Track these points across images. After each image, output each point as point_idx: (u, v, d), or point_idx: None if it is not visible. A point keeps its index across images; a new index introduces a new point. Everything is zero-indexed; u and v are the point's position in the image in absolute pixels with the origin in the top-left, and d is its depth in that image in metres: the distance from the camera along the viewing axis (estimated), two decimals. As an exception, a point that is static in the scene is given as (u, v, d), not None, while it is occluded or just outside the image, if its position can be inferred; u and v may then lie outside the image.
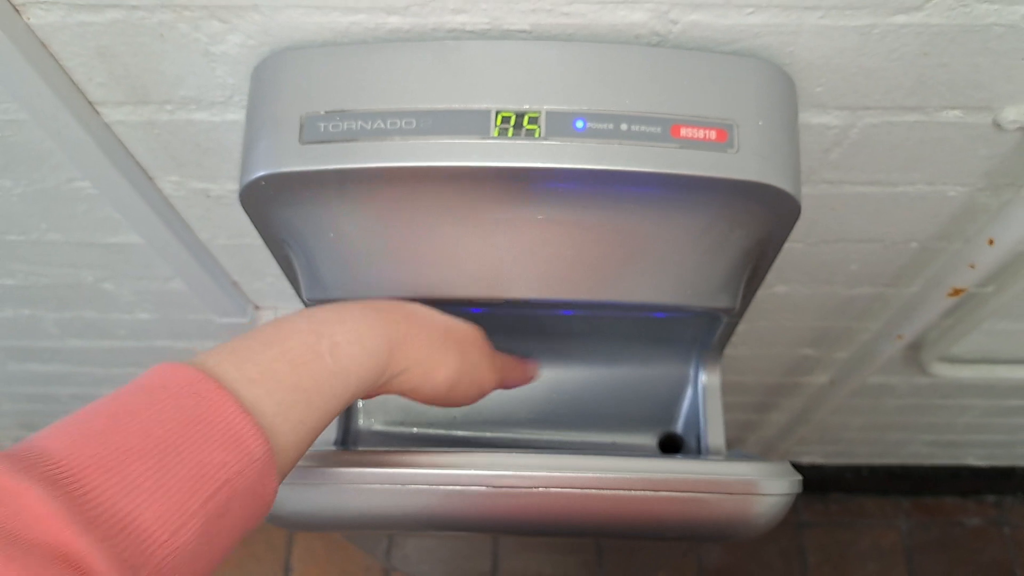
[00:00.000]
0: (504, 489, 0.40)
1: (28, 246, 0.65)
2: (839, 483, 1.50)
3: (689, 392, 0.65)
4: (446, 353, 0.42)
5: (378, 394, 0.41)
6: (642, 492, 0.40)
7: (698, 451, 0.62)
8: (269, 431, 0.32)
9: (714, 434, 0.62)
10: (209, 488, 0.29)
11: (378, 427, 0.64)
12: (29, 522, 0.24)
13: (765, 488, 0.41)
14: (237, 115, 0.48)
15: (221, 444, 0.30)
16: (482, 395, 0.45)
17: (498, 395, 0.66)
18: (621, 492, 0.40)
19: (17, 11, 0.41)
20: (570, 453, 0.42)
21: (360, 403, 0.64)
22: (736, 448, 1.28)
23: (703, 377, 0.63)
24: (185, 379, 0.31)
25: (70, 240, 0.64)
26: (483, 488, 0.40)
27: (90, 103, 0.48)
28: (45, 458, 0.26)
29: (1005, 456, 1.41)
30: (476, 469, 0.40)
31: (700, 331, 0.60)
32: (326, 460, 0.41)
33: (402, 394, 0.41)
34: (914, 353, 0.86)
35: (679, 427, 0.66)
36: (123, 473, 0.27)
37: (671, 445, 0.66)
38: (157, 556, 0.27)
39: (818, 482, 1.46)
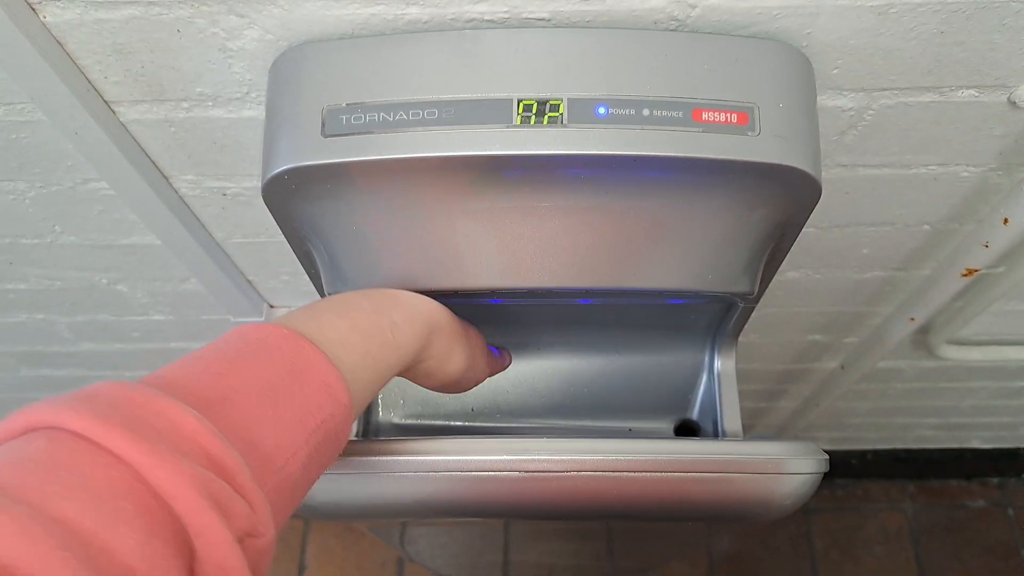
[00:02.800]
0: (537, 474, 0.40)
1: (42, 249, 0.65)
2: (845, 468, 1.51)
3: (704, 379, 0.66)
4: (462, 347, 0.47)
5: (401, 376, 0.45)
6: (673, 473, 0.40)
7: (715, 436, 0.63)
8: (350, 384, 0.36)
9: (731, 419, 0.62)
10: (311, 425, 0.33)
11: (397, 420, 0.64)
12: (185, 435, 0.27)
13: (793, 467, 0.41)
14: (254, 111, 0.48)
15: (318, 389, 0.34)
16: (477, 384, 0.53)
17: (515, 385, 0.66)
18: (652, 474, 0.40)
19: (33, 9, 0.41)
20: (597, 438, 0.42)
21: (380, 397, 0.64)
22: (750, 434, 1.29)
23: (719, 363, 0.64)
24: (280, 335, 0.35)
25: (84, 242, 0.64)
26: (516, 473, 0.40)
27: (106, 102, 0.48)
28: (182, 388, 0.30)
29: (1010, 438, 1.42)
30: (509, 455, 0.40)
31: (716, 317, 0.60)
32: (358, 450, 0.41)
33: (417, 377, 0.46)
34: (923, 336, 0.86)
35: (695, 414, 0.67)
36: (246, 406, 0.31)
37: (687, 432, 0.66)
38: (276, 478, 0.31)
39: (825, 468, 1.46)
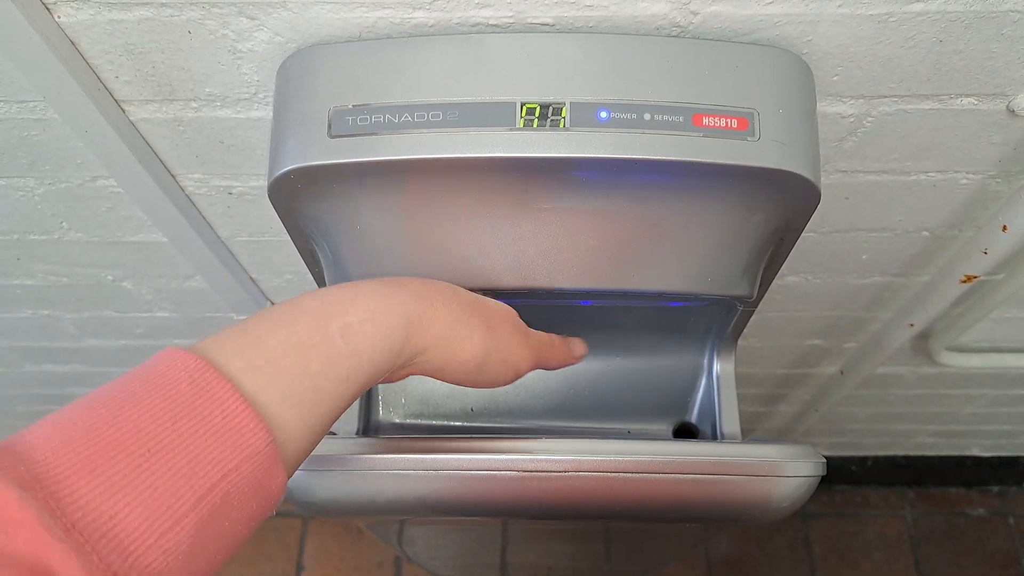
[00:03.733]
0: (535, 473, 0.40)
1: (49, 246, 0.66)
2: (844, 474, 1.51)
3: (703, 381, 0.66)
4: (472, 329, 0.39)
5: (402, 376, 0.39)
6: (670, 475, 0.41)
7: (714, 439, 0.63)
8: (273, 421, 0.30)
9: (729, 422, 0.62)
10: (203, 485, 0.27)
11: (397, 419, 0.65)
12: (3, 528, 0.23)
13: (791, 470, 0.41)
14: (261, 112, 0.49)
15: (217, 437, 0.28)
16: (518, 375, 0.42)
17: (515, 386, 0.66)
18: (649, 475, 0.41)
19: (48, 9, 0.42)
20: (596, 439, 0.43)
21: (380, 396, 0.64)
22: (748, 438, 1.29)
23: (718, 366, 0.64)
24: (184, 367, 0.29)
25: (92, 239, 0.64)
26: (515, 473, 0.40)
27: (116, 101, 0.48)
28: (26, 457, 0.25)
29: (1010, 446, 1.42)
30: (507, 454, 0.41)
31: (715, 320, 0.60)
32: (359, 447, 0.42)
33: (428, 375, 0.39)
34: (923, 342, 0.87)
35: (693, 416, 0.67)
36: (109, 473, 0.25)
37: (686, 434, 0.67)
38: (145, 560, 0.25)
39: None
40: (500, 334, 0.41)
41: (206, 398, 0.28)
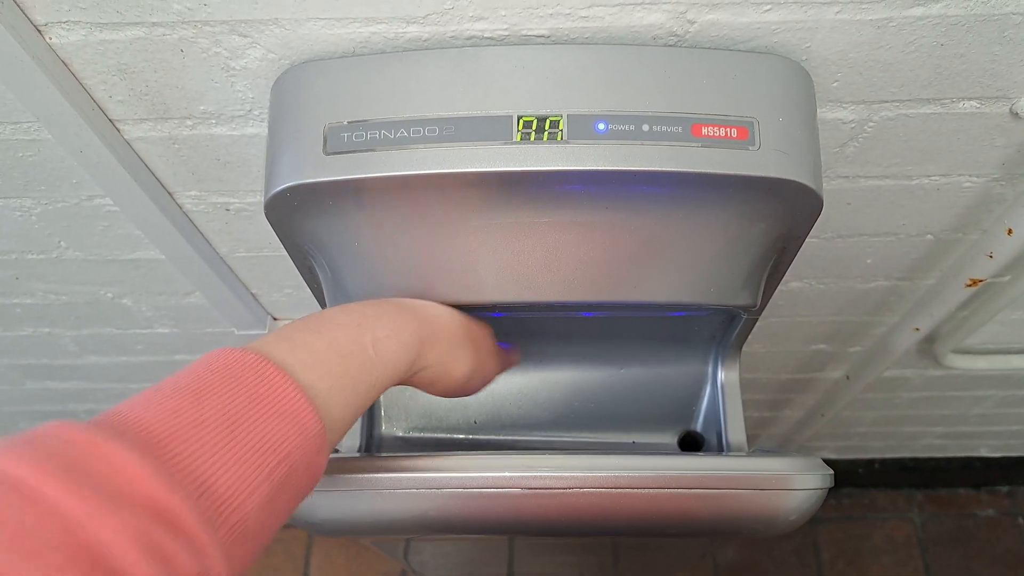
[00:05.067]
0: (541, 491, 0.40)
1: (47, 265, 0.66)
2: (851, 478, 1.50)
3: (708, 390, 0.65)
4: (465, 352, 0.45)
5: (403, 384, 0.44)
6: (677, 490, 0.40)
7: (719, 448, 0.62)
8: (322, 410, 0.34)
9: (735, 431, 0.62)
10: (274, 458, 0.31)
11: (400, 433, 0.64)
12: (126, 480, 0.26)
13: (798, 483, 0.41)
14: (256, 129, 0.48)
15: (283, 419, 0.32)
16: (486, 384, 0.51)
17: (518, 398, 0.66)
18: (656, 491, 0.40)
19: (39, 31, 0.41)
20: (601, 453, 0.42)
21: (382, 410, 0.64)
22: (754, 445, 1.29)
23: (722, 375, 0.63)
24: (247, 362, 0.33)
25: (90, 257, 0.64)
26: (520, 490, 0.40)
27: (110, 120, 0.48)
28: (132, 426, 0.28)
29: (1019, 446, 1.41)
30: (512, 471, 0.40)
31: (719, 329, 0.60)
32: (360, 466, 0.41)
33: (420, 386, 0.45)
34: (928, 346, 0.86)
35: (698, 425, 0.66)
36: (200, 443, 0.29)
37: (691, 443, 0.66)
38: (232, 518, 0.29)
39: (831, 477, 1.45)
40: (483, 353, 0.48)
41: (270, 387, 0.33)
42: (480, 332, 0.48)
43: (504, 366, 0.55)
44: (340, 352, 0.37)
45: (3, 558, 0.22)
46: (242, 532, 0.29)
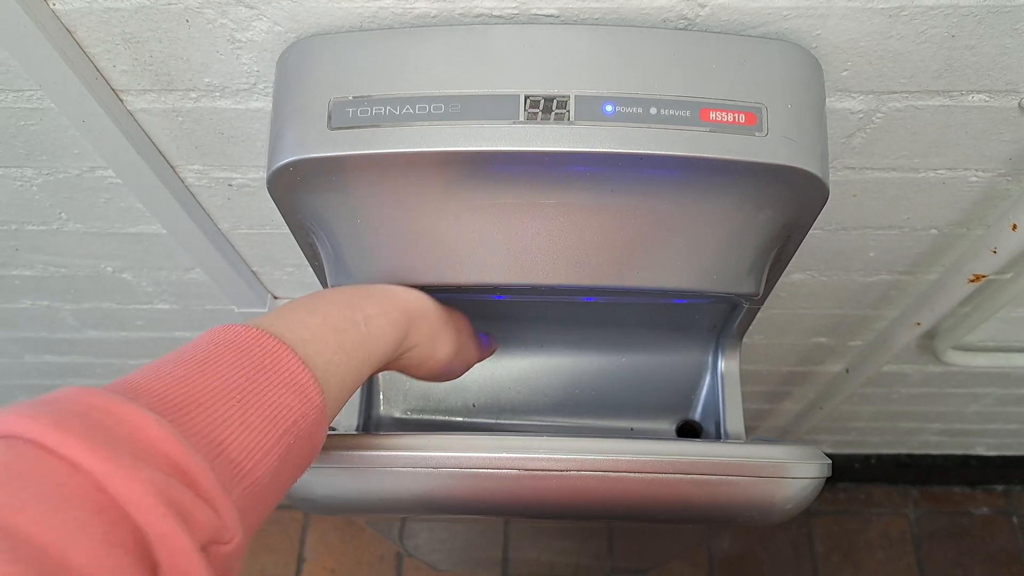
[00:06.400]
0: (537, 472, 0.40)
1: (48, 236, 0.65)
2: (848, 472, 1.50)
3: (707, 379, 0.65)
4: (447, 333, 0.47)
5: (390, 368, 0.45)
6: (674, 475, 0.40)
7: (717, 438, 0.62)
8: (322, 383, 0.35)
9: (733, 421, 0.62)
10: (282, 426, 0.32)
11: (397, 414, 0.64)
12: (146, 441, 0.26)
13: (796, 472, 0.41)
14: (261, 103, 0.48)
15: (288, 389, 0.33)
16: (468, 369, 0.53)
17: (517, 382, 0.66)
18: (653, 475, 0.40)
19: (44, -3, 0.41)
20: (599, 437, 0.42)
21: (380, 392, 0.64)
22: (752, 436, 1.29)
23: (723, 364, 0.63)
24: (250, 336, 0.34)
25: (90, 230, 0.64)
26: (516, 471, 0.40)
27: (114, 91, 0.48)
28: (146, 392, 0.29)
29: (1015, 445, 1.41)
30: (509, 452, 0.40)
31: (720, 318, 0.60)
32: (359, 444, 0.41)
33: (407, 368, 0.46)
34: (929, 341, 0.86)
35: (697, 415, 0.66)
36: (212, 409, 0.30)
37: (689, 432, 0.66)
38: (246, 481, 0.30)
39: (827, 471, 1.46)
40: (464, 337, 0.50)
41: (273, 358, 0.34)
42: (460, 319, 0.50)
43: (483, 354, 0.57)
44: (335, 328, 0.38)
45: (32, 513, 0.22)
46: (254, 495, 0.30)
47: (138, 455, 0.26)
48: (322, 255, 0.48)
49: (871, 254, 0.67)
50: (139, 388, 0.29)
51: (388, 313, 0.42)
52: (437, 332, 0.46)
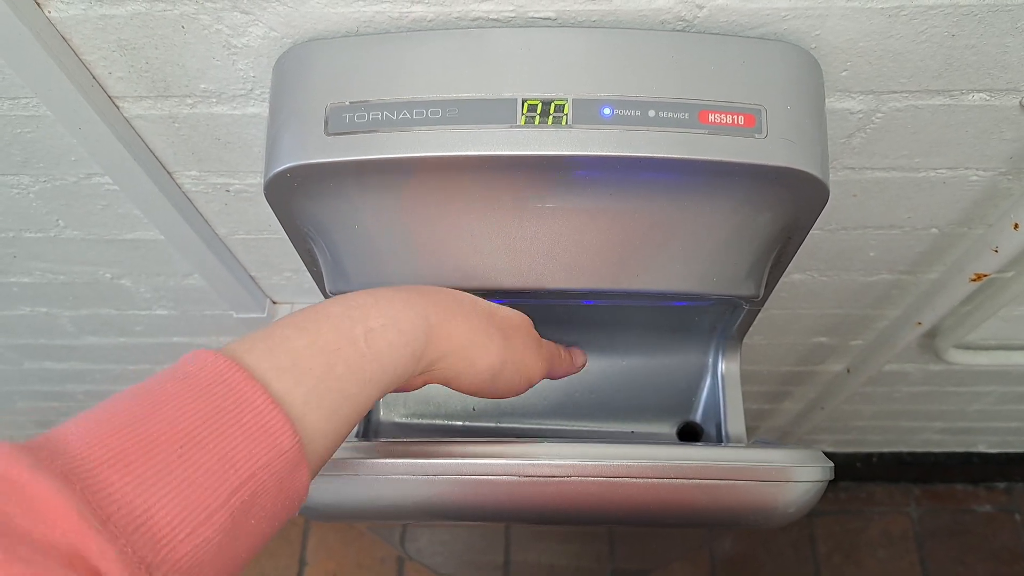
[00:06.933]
0: (538, 478, 0.40)
1: (45, 243, 0.65)
2: (849, 471, 1.50)
3: (708, 381, 0.65)
4: (489, 338, 0.39)
5: (419, 384, 0.39)
6: (676, 480, 0.40)
7: (718, 440, 0.62)
8: (299, 422, 0.31)
9: (734, 422, 0.62)
10: (233, 482, 0.28)
11: (398, 419, 0.64)
12: (42, 518, 0.23)
13: (798, 475, 0.41)
14: (258, 108, 0.48)
15: (248, 436, 0.29)
16: (529, 385, 0.43)
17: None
18: (655, 480, 0.40)
19: (38, 4, 0.41)
20: (600, 442, 0.42)
21: (380, 396, 0.64)
22: (753, 437, 1.28)
23: (723, 366, 0.63)
24: (215, 368, 0.30)
25: (88, 237, 0.64)
26: (517, 478, 0.40)
27: (110, 98, 0.47)
28: (63, 451, 0.25)
29: (1017, 443, 1.41)
30: (510, 458, 0.40)
31: (720, 320, 0.60)
32: (359, 451, 0.41)
33: (443, 383, 0.39)
34: (930, 340, 0.86)
35: (698, 416, 0.66)
36: (143, 467, 0.26)
37: (690, 434, 0.66)
38: (176, 554, 0.26)
39: (829, 470, 1.46)
40: (515, 344, 0.41)
41: (236, 398, 0.29)
42: (512, 319, 0.42)
43: (558, 369, 0.47)
44: (324, 349, 0.33)
45: None
46: (193, 565, 0.26)
47: (26, 538, 0.22)
48: (320, 261, 0.48)
49: (872, 254, 0.67)
50: (65, 442, 0.26)
51: (399, 323, 0.35)
52: (472, 338, 0.38)
